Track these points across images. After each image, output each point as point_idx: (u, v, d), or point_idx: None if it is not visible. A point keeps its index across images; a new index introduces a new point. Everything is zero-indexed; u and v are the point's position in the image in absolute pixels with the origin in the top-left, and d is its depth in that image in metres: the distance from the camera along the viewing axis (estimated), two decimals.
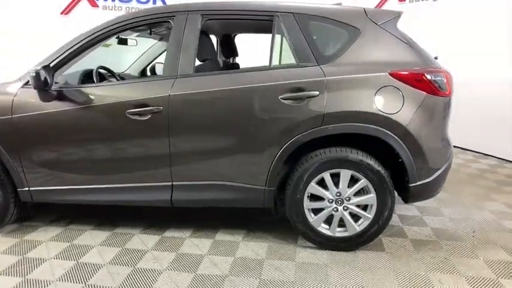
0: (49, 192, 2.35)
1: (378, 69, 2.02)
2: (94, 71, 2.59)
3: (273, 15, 2.17)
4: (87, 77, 2.57)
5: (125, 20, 2.24)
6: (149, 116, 2.11)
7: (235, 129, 2.11)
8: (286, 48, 2.18)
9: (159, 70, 3.79)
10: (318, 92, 2.00)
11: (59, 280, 1.95)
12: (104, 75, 2.80)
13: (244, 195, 2.20)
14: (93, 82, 2.54)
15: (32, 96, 2.22)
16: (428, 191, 2.16)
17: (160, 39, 3.52)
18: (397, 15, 2.16)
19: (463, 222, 2.61)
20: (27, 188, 2.35)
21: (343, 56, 2.07)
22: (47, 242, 2.36)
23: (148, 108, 2.11)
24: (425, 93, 2.00)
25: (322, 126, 2.01)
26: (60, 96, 2.19)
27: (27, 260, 2.15)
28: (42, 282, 1.92)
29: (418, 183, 2.08)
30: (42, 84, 2.05)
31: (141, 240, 2.38)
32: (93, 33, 2.23)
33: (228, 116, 2.11)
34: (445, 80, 2.05)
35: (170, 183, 2.22)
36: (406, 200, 2.18)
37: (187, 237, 2.40)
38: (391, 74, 2.00)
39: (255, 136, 2.09)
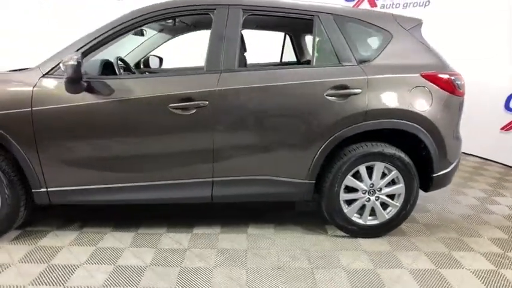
0: (71, 193, 2.14)
1: (411, 70, 2.22)
2: (115, 62, 2.40)
3: (313, 15, 2.24)
4: (105, 67, 2.37)
5: (162, 9, 2.12)
6: (194, 111, 2.05)
7: (280, 125, 2.15)
8: (323, 47, 2.27)
9: (153, 63, 3.63)
10: (360, 90, 2.13)
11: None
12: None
13: (285, 189, 2.25)
14: (114, 73, 2.36)
15: (56, 86, 2.01)
16: (444, 181, 2.43)
17: (160, 31, 3.37)
18: (420, 22, 2.38)
19: (454, 209, 2.97)
20: (44, 189, 2.12)
21: (379, 57, 2.23)
22: (69, 247, 2.16)
23: (194, 102, 2.04)
24: (448, 93, 2.25)
25: (364, 122, 2.15)
26: (92, 88, 2.01)
27: (56, 267, 1.96)
28: None
29: (439, 173, 2.33)
30: (81, 74, 1.87)
31: (171, 238, 2.30)
32: (127, 21, 2.09)
33: (273, 111, 2.13)
34: (462, 82, 2.33)
35: (211, 179, 2.18)
36: (426, 189, 2.42)
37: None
38: (422, 75, 2.21)
39: (299, 131, 2.15)
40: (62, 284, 1.82)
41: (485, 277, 2.00)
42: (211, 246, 2.23)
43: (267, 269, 2.01)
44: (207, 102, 2.05)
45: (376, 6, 5.59)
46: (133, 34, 2.70)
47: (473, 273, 2.04)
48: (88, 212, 2.62)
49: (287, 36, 3.70)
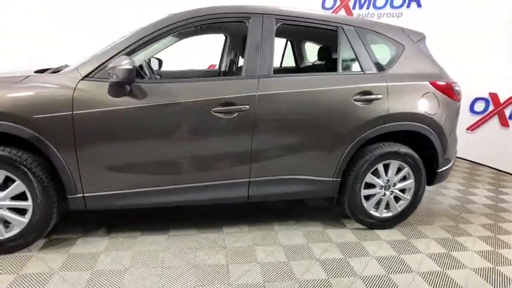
0: (108, 198, 2.11)
1: (421, 78, 2.51)
2: (145, 65, 2.39)
3: (337, 26, 2.44)
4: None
5: (202, 15, 2.18)
6: (235, 114, 2.14)
7: (312, 127, 2.30)
8: (347, 56, 2.47)
9: (154, 65, 3.59)
10: (381, 96, 2.37)
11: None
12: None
13: (314, 187, 2.42)
14: (141, 77, 2.35)
15: (97, 89, 1.98)
16: (445, 176, 2.76)
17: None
18: (424, 36, 2.70)
19: (443, 200, 3.36)
20: (81, 195, 2.07)
21: (395, 66, 2.49)
22: (106, 253, 2.12)
23: (236, 106, 2.13)
24: (450, 99, 2.58)
25: (385, 124, 2.39)
26: (134, 92, 2.01)
27: (103, 273, 1.93)
28: None
29: (442, 169, 2.66)
30: (133, 78, 1.86)
31: (205, 239, 2.35)
32: (167, 25, 2.11)
33: (306, 115, 2.28)
34: (459, 89, 2.68)
35: (248, 180, 2.28)
36: (430, 183, 2.74)
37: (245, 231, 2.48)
38: (431, 83, 2.51)
39: (329, 133, 2.33)
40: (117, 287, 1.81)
41: (488, 256, 2.34)
42: (274, 243, 2.32)
43: (312, 259, 2.16)
44: (248, 106, 2.15)
45: (352, 15, 6.00)
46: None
47: (478, 254, 2.37)
48: (107, 217, 2.57)
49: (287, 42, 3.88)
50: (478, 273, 2.14)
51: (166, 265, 2.04)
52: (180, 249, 2.21)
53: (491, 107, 4.52)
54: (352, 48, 2.44)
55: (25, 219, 2.02)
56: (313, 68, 3.57)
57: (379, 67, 2.46)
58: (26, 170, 1.94)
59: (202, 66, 5.91)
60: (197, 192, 2.23)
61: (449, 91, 2.57)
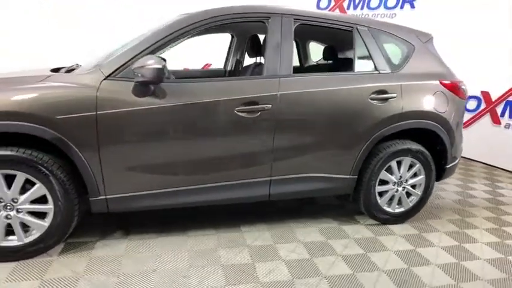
0: (131, 199, 2.08)
1: (431, 78, 2.60)
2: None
3: (352, 27, 2.49)
4: None
5: (222, 15, 2.17)
6: (258, 114, 2.15)
7: (331, 125, 2.34)
8: (362, 56, 2.52)
9: None
10: (396, 94, 2.44)
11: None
12: None
13: (332, 184, 2.46)
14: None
15: (120, 89, 1.94)
16: (452, 172, 2.86)
17: None
18: (432, 36, 2.78)
19: (445, 195, 3.48)
20: (103, 197, 2.03)
21: (406, 66, 2.56)
22: (128, 255, 2.09)
23: (259, 106, 2.14)
24: (457, 97, 2.68)
25: (399, 122, 2.46)
26: (159, 91, 1.99)
27: (131, 276, 1.90)
28: None
29: (450, 165, 2.76)
30: (162, 78, 1.84)
31: (222, 239, 2.35)
32: (189, 24, 2.10)
33: (325, 114, 2.32)
34: (465, 88, 2.78)
35: (269, 178, 2.30)
36: (438, 179, 2.83)
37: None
38: (440, 83, 2.60)
39: (347, 131, 2.38)
40: None
41: (497, 247, 2.45)
42: (294, 240, 2.34)
43: (334, 255, 2.20)
44: (270, 106, 2.16)
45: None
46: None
47: (487, 245, 2.47)
48: (121, 219, 2.52)
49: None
50: (491, 264, 2.23)
51: (193, 265, 2.03)
52: (203, 250, 2.20)
53: (483, 105, 4.71)
54: (367, 48, 2.49)
55: (45, 223, 1.97)
56: (317, 68, 3.62)
57: (392, 66, 2.53)
58: (47, 172, 1.88)
59: (196, 65, 5.91)
60: (219, 191, 2.22)
61: (456, 90, 2.67)
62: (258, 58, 3.21)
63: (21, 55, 4.28)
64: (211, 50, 6.01)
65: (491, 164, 4.62)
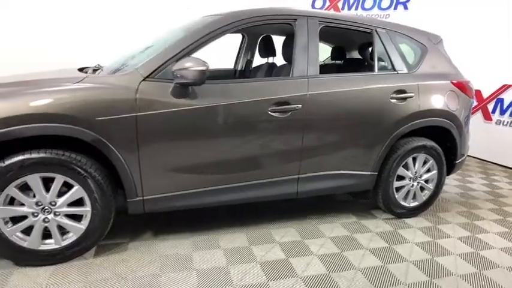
0: (166, 200, 2.09)
1: (444, 78, 2.74)
2: None
3: (372, 29, 2.58)
4: None
5: (253, 17, 2.21)
6: (289, 114, 2.21)
7: (355, 124, 2.44)
8: (381, 57, 2.62)
9: None
10: (413, 94, 2.56)
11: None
12: None
13: (355, 180, 2.56)
14: None
15: (159, 90, 1.95)
16: (461, 167, 3.02)
17: None
18: (441, 38, 2.93)
19: (448, 189, 3.66)
20: (140, 198, 2.03)
21: (421, 67, 2.69)
22: (164, 255, 2.10)
23: (290, 106, 2.20)
24: (466, 96, 2.84)
25: (417, 120, 2.58)
26: (197, 92, 2.00)
27: (171, 277, 1.92)
28: None
29: (459, 160, 2.92)
30: (205, 79, 1.87)
31: (253, 238, 2.40)
32: (221, 26, 2.12)
33: (351, 113, 2.40)
34: (473, 87, 2.95)
35: (297, 176, 2.36)
36: (448, 174, 2.98)
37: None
38: (451, 82, 2.75)
39: (370, 129, 2.48)
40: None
41: (508, 237, 2.62)
42: (321, 236, 2.41)
43: (362, 249, 2.29)
44: (300, 106, 2.23)
45: None
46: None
47: (498, 235, 2.64)
48: (147, 220, 2.52)
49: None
50: (506, 252, 2.40)
51: (231, 262, 2.07)
52: (236, 248, 2.24)
53: (475, 103, 4.95)
54: (385, 49, 2.60)
55: (82, 226, 1.95)
56: (325, 67, 3.71)
57: (409, 67, 2.65)
58: (86, 174, 1.87)
59: None
60: (251, 190, 2.27)
61: (465, 89, 2.83)
62: (271, 58, 3.28)
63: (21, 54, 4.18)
64: (206, 50, 6.03)
65: (484, 158, 4.88)
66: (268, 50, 3.12)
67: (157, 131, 1.95)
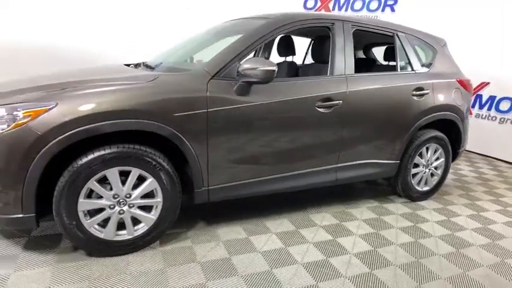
0: (228, 189, 2.25)
1: (451, 76, 3.11)
2: None
3: (393, 33, 2.88)
4: None
5: (299, 20, 2.42)
6: (332, 109, 2.44)
7: (385, 118, 2.73)
8: (402, 57, 2.93)
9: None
10: (429, 91, 2.90)
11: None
12: None
13: (382, 169, 2.86)
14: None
15: (225, 88, 2.10)
16: (460, 155, 3.44)
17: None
18: (445, 42, 3.30)
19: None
20: (206, 188, 2.17)
21: (433, 67, 3.04)
22: (226, 242, 2.26)
23: (333, 102, 2.43)
24: (468, 92, 3.24)
25: (432, 114, 2.93)
26: (257, 90, 2.17)
27: (241, 259, 2.09)
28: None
29: (460, 150, 3.33)
30: (273, 78, 2.05)
31: (286, 223, 2.63)
32: (273, 29, 2.31)
33: (382, 107, 2.69)
34: (472, 84, 3.36)
35: (336, 166, 2.61)
36: (452, 161, 3.38)
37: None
38: (457, 80, 3.13)
39: (396, 122, 2.79)
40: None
41: (506, 213, 3.06)
42: (355, 219, 2.66)
43: (393, 228, 2.59)
44: (341, 102, 2.47)
45: None
46: None
47: (497, 212, 3.08)
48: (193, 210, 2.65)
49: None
50: (508, 226, 2.81)
51: (287, 244, 2.27)
52: (286, 232, 2.44)
53: None
54: (405, 51, 2.92)
55: (153, 216, 2.06)
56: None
57: (424, 67, 2.99)
58: (160, 167, 1.98)
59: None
60: (300, 178, 2.49)
61: (467, 86, 3.23)
62: (290, 57, 3.49)
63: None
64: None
65: (466, 149, 5.43)
66: (288, 49, 3.34)
67: (223, 126, 2.11)
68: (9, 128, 1.69)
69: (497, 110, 5.00)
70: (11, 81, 2.20)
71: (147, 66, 2.48)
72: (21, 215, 1.77)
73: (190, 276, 1.89)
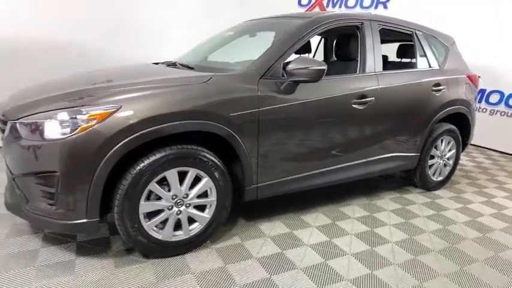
0: (275, 185, 2.31)
1: (462, 72, 3.30)
2: None
3: (412, 31, 3.02)
4: None
5: (333, 20, 2.49)
6: (366, 105, 2.55)
7: (409, 112, 2.87)
8: (420, 55, 3.08)
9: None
10: (445, 87, 3.07)
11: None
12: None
13: (406, 161, 3.01)
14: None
15: (272, 87, 2.15)
16: (467, 147, 3.66)
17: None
18: (454, 40, 3.49)
19: None
20: (255, 185, 2.22)
21: (446, 64, 3.22)
22: (272, 237, 2.32)
23: (367, 99, 2.54)
24: (475, 87, 3.45)
25: (448, 108, 3.11)
26: (301, 88, 2.23)
27: (290, 254, 2.16)
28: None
29: (468, 141, 3.55)
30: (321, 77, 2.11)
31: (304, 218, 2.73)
32: (312, 28, 2.38)
33: (407, 103, 2.84)
34: (478, 79, 3.58)
35: (367, 160, 2.73)
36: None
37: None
38: (467, 76, 3.33)
39: (419, 116, 2.95)
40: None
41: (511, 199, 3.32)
42: (383, 210, 2.78)
43: (419, 217, 2.74)
44: (373, 98, 2.58)
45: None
46: None
47: (504, 198, 3.32)
48: None
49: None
50: None
51: (330, 236, 2.36)
52: (325, 225, 2.53)
53: None
54: (423, 49, 3.07)
55: (207, 215, 2.09)
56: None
57: (439, 64, 3.16)
58: (216, 166, 2.01)
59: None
60: (338, 173, 2.59)
61: (475, 81, 3.45)
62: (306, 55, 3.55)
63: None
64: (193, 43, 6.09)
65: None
66: (304, 46, 3.41)
67: (272, 124, 2.16)
68: (75, 132, 1.66)
69: (488, 102, 5.34)
70: (44, 85, 2.15)
71: (185, 66, 2.47)
72: (85, 220, 1.75)
73: (252, 272, 1.94)
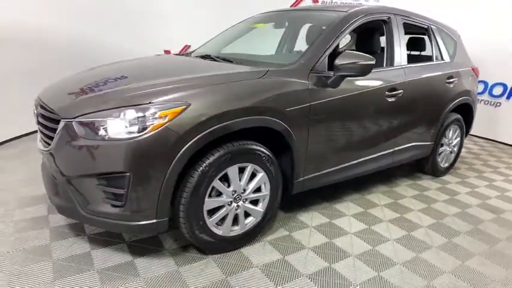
0: (319, 177, 2.37)
1: (467, 65, 3.52)
2: None
3: (428, 25, 3.17)
4: None
5: (367, 14, 2.55)
6: (396, 98, 2.66)
7: (429, 103, 3.03)
8: (434, 48, 3.23)
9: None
10: (456, 79, 3.27)
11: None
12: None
13: (424, 150, 3.20)
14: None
15: (320, 81, 2.19)
16: (467, 134, 3.93)
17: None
18: (459, 34, 3.69)
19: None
20: (302, 178, 2.27)
21: (456, 57, 3.41)
22: (318, 228, 2.40)
23: (397, 91, 2.65)
24: (477, 79, 3.70)
25: (458, 99, 3.31)
26: (345, 82, 2.28)
27: (341, 241, 2.25)
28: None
29: (470, 130, 3.81)
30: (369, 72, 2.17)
31: (332, 209, 2.85)
32: (350, 23, 2.42)
33: (428, 94, 2.99)
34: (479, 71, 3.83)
35: (393, 149, 2.86)
36: None
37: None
38: (471, 68, 3.55)
39: (437, 107, 3.12)
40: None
41: (510, 182, 3.62)
42: (402, 197, 2.93)
43: (436, 202, 2.93)
44: (402, 91, 2.70)
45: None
46: None
47: (504, 181, 3.63)
48: None
49: None
50: None
51: (367, 223, 2.48)
52: (357, 213, 2.64)
53: None
54: (437, 43, 3.23)
55: (261, 209, 2.11)
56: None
57: (450, 57, 3.35)
58: (271, 161, 2.03)
59: (176, 47, 5.80)
60: (372, 163, 2.72)
61: (477, 73, 3.69)
62: None
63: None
64: (189, 32, 5.95)
65: None
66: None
67: (321, 118, 2.21)
68: (146, 130, 1.61)
69: None
70: (82, 79, 2.06)
71: (223, 59, 2.43)
72: (154, 221, 1.72)
73: (311, 262, 2.01)
